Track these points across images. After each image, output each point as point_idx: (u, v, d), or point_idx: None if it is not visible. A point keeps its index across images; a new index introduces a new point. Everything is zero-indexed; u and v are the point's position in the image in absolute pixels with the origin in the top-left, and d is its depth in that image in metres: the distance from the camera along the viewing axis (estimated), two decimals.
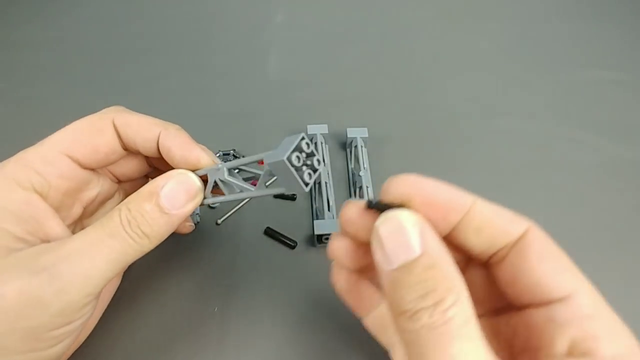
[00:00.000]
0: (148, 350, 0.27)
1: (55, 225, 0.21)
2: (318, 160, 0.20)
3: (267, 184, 0.21)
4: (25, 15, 0.55)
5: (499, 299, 0.19)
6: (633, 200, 0.36)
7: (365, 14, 0.56)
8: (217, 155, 0.37)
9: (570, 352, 0.15)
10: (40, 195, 0.21)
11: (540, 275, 0.16)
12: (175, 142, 0.23)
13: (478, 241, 0.18)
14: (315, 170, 0.19)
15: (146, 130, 0.23)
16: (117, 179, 0.26)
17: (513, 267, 0.17)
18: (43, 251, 0.19)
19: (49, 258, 0.18)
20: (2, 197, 0.19)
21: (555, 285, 0.16)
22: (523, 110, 0.43)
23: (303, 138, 0.19)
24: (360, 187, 0.34)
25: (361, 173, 0.34)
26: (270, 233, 0.32)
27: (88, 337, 0.24)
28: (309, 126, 0.38)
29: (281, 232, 0.32)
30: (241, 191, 0.23)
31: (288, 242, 0.32)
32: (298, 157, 0.18)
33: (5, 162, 0.21)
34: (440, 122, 0.42)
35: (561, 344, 0.15)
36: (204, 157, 0.23)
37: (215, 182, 0.23)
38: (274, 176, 0.21)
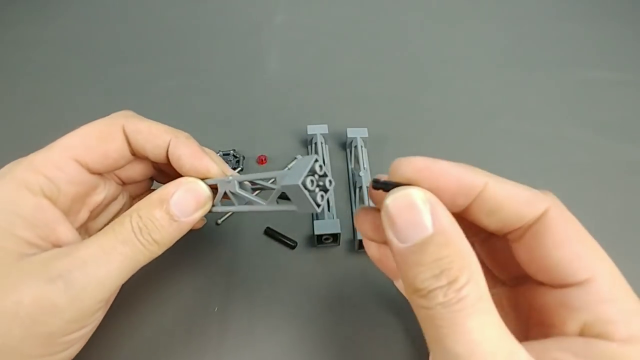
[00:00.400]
0: (148, 350, 0.27)
1: (66, 230, 0.21)
2: (330, 181, 0.20)
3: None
4: (25, 15, 0.55)
5: (520, 267, 0.19)
6: (633, 200, 0.36)
7: (365, 14, 0.56)
8: (217, 154, 0.37)
9: (582, 333, 0.15)
10: (50, 200, 0.21)
11: (557, 260, 0.16)
12: (185, 150, 0.23)
13: (490, 222, 0.17)
14: (326, 191, 0.20)
15: (156, 137, 0.23)
16: (122, 181, 0.26)
17: (529, 248, 0.17)
18: (57, 256, 0.19)
19: (63, 264, 0.18)
20: (13, 203, 0.19)
21: (572, 271, 0.16)
22: (523, 111, 0.43)
23: (317, 160, 0.19)
24: (360, 187, 0.34)
25: (361, 173, 0.34)
26: (270, 233, 0.32)
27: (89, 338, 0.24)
28: (309, 126, 0.38)
29: (281, 232, 0.32)
30: (251, 204, 0.23)
31: (288, 242, 0.32)
32: (312, 181, 0.19)
33: (13, 164, 0.21)
34: (440, 122, 0.42)
35: (572, 327, 0.16)
36: (213, 167, 0.23)
37: (225, 192, 0.23)
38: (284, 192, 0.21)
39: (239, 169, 0.36)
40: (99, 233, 0.20)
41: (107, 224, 0.26)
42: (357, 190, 0.35)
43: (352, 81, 0.46)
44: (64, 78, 0.46)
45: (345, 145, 0.39)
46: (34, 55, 0.49)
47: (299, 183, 0.18)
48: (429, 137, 0.40)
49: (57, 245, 0.20)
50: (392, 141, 0.40)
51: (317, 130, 0.37)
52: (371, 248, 0.22)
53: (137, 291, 0.29)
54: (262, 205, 0.22)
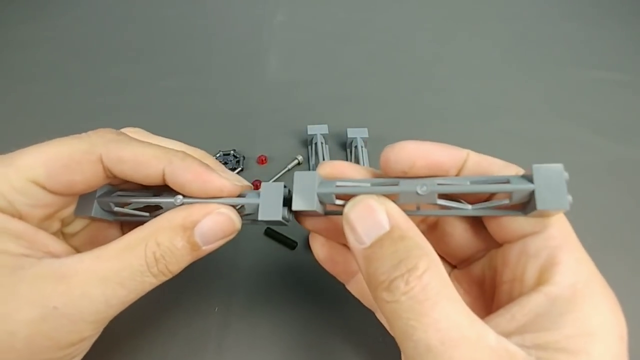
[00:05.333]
0: (148, 350, 0.27)
1: (45, 236, 0.19)
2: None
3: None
4: (25, 15, 0.55)
5: (469, 248, 0.21)
6: (633, 200, 0.36)
7: (365, 14, 0.56)
8: (217, 155, 0.37)
9: (538, 281, 0.16)
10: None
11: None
12: (187, 176, 0.19)
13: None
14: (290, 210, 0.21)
15: (145, 167, 0.19)
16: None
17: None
18: (52, 277, 0.17)
19: (59, 293, 0.17)
20: None
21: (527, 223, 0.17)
22: (523, 111, 0.43)
23: (285, 186, 0.20)
24: None
25: None
26: (270, 233, 0.32)
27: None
28: (309, 126, 0.38)
29: (281, 232, 0.32)
30: None
31: (288, 242, 0.32)
32: (287, 211, 0.20)
33: None
34: (440, 122, 0.42)
35: (531, 274, 0.17)
36: (226, 185, 0.19)
37: None
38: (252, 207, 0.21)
39: (239, 169, 0.36)
40: (104, 253, 0.18)
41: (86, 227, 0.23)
42: None
43: (352, 81, 0.46)
44: (64, 78, 0.46)
45: (345, 145, 0.39)
46: (34, 55, 0.49)
47: (280, 219, 0.19)
48: (429, 137, 0.40)
49: (46, 252, 0.19)
50: (392, 141, 0.39)
51: (317, 130, 0.37)
52: (318, 248, 0.22)
53: None
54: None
